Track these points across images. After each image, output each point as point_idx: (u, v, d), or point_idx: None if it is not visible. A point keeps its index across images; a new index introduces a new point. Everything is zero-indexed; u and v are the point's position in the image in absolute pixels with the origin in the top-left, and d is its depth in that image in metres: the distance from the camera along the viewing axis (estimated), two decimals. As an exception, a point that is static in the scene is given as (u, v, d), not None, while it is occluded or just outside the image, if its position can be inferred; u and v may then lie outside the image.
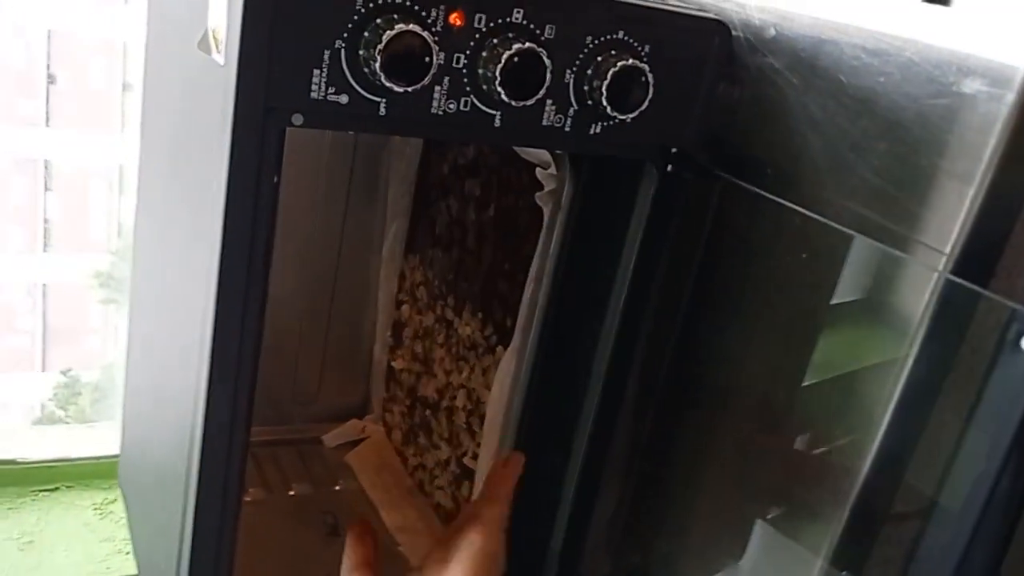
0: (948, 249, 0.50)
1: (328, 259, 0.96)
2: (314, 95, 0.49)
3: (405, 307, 0.94)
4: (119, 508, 1.07)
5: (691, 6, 0.63)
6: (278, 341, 0.94)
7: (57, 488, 1.18)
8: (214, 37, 0.51)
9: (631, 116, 0.58)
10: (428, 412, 0.90)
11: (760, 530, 0.65)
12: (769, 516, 0.65)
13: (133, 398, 0.88)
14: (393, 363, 0.97)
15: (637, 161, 0.61)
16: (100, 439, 1.13)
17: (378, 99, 0.51)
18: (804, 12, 0.59)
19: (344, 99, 0.50)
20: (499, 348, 0.78)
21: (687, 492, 0.72)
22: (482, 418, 0.81)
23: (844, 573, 0.58)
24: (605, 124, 0.58)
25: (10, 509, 1.14)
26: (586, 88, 0.56)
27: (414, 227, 0.92)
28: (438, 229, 0.87)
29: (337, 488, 0.93)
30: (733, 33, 0.63)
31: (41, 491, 1.16)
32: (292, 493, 0.91)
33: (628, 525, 0.77)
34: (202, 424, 0.55)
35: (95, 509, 1.09)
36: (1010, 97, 0.46)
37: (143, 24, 0.78)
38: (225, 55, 0.49)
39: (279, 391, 0.98)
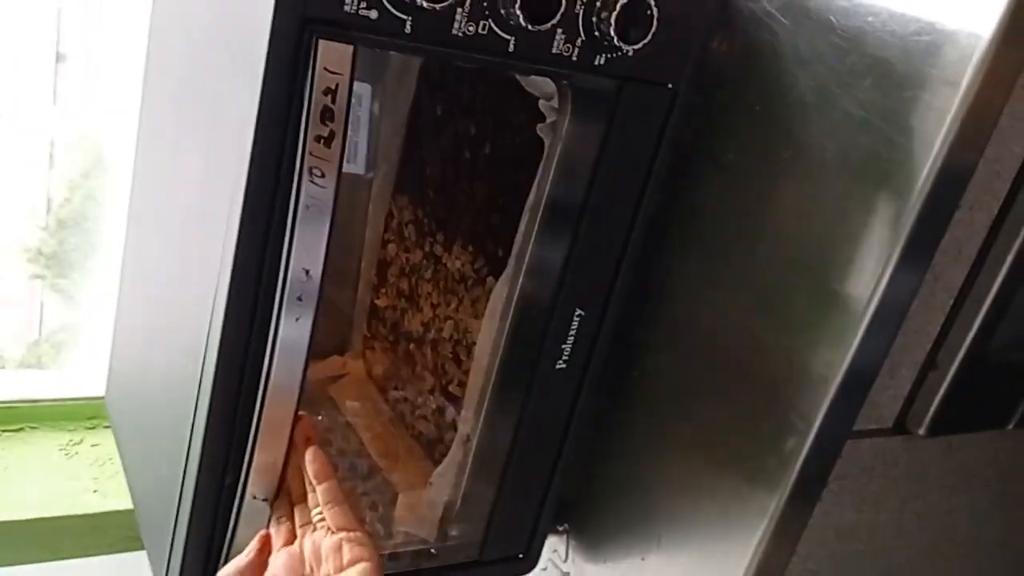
0: (919, 184, 0.55)
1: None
2: (347, 8, 0.52)
3: (391, 246, 0.97)
4: (86, 449, 1.08)
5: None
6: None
7: (21, 428, 1.18)
8: (247, -50, 0.53)
9: (635, 48, 0.62)
10: (412, 346, 0.93)
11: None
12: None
13: (124, 334, 0.89)
14: (376, 301, 0.99)
15: (636, 96, 0.65)
16: (66, 383, 1.14)
17: (405, 16, 0.54)
18: (796, -41, 0.63)
19: (374, 14, 0.53)
20: (489, 279, 0.81)
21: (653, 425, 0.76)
22: (469, 348, 0.84)
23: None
24: (609, 56, 0.62)
25: (-23, 446, 1.14)
26: (594, 19, 0.60)
27: (404, 168, 0.95)
28: (429, 169, 0.90)
29: (320, 417, 0.95)
30: (726, -20, 0.67)
31: (4, 431, 1.17)
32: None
33: (598, 450, 0.82)
34: (219, 340, 0.57)
35: (61, 450, 1.10)
36: (987, 33, 0.51)
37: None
38: (261, -33, 0.51)
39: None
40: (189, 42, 0.69)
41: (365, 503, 0.86)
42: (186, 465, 0.64)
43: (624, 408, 0.80)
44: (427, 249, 0.90)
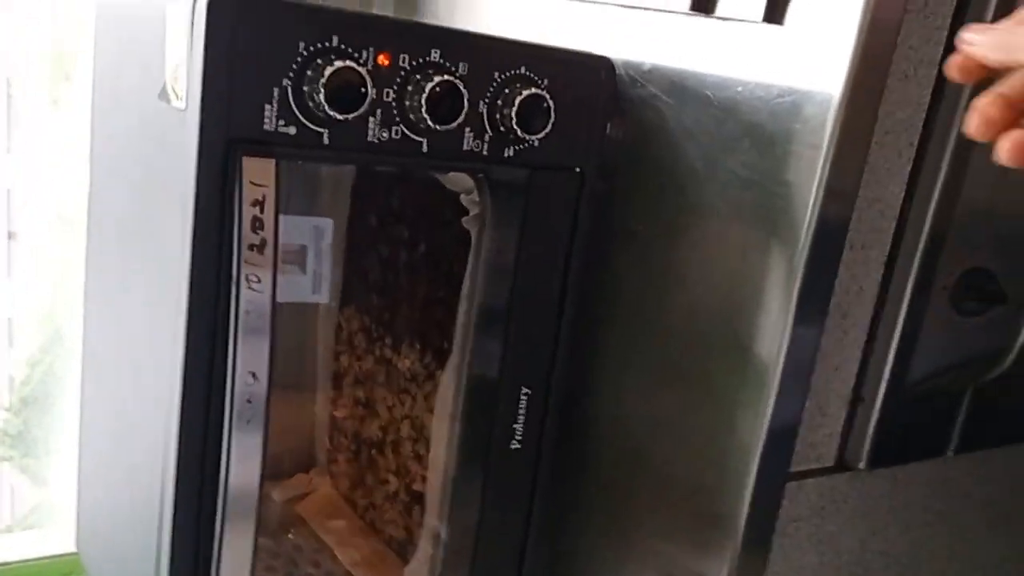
0: (803, 233, 0.61)
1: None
2: (267, 127, 0.57)
3: (343, 357, 1.00)
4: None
5: (582, 49, 0.74)
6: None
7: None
8: (173, 88, 0.59)
9: (538, 138, 0.67)
10: (373, 451, 0.95)
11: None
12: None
13: (88, 482, 0.90)
14: (335, 413, 1.02)
15: (548, 179, 0.71)
16: (41, 542, 1.13)
17: (322, 129, 0.59)
18: (674, 42, 0.70)
19: (292, 130, 0.58)
20: (438, 373, 0.84)
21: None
22: (428, 444, 0.87)
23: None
24: (517, 147, 0.68)
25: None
26: (498, 116, 0.66)
27: (347, 281, 0.99)
28: (371, 276, 0.95)
29: (290, 536, 0.96)
30: (616, 71, 0.74)
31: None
32: (248, 542, 0.93)
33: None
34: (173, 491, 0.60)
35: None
36: (836, 92, 0.57)
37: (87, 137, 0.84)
38: (186, 99, 0.56)
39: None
40: (125, 174, 0.74)
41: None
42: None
43: (580, 483, 0.82)
44: (377, 354, 0.93)
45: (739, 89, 0.64)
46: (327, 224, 0.94)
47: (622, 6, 0.75)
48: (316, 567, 0.91)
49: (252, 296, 0.56)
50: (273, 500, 1.02)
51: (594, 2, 0.78)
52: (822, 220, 0.60)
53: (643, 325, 0.74)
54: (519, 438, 0.77)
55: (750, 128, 0.63)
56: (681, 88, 0.69)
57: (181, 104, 0.57)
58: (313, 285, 0.95)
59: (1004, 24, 0.48)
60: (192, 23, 0.55)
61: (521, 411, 0.76)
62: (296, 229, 0.92)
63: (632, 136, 0.74)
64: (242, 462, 0.61)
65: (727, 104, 0.65)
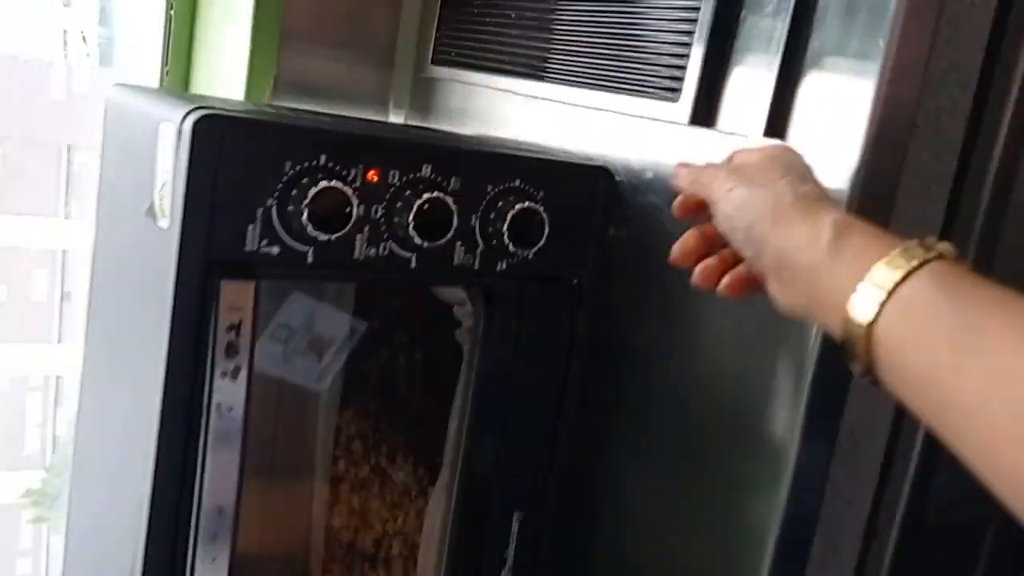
0: (809, 355, 0.57)
1: (266, 419, 0.98)
2: (248, 248, 0.55)
3: (341, 462, 0.97)
4: None
5: (581, 158, 0.73)
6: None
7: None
8: (160, 206, 0.58)
9: (532, 252, 0.65)
10: (366, 565, 0.91)
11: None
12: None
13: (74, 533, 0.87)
14: (331, 521, 0.98)
15: (541, 293, 0.68)
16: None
17: (306, 248, 0.57)
18: (675, 153, 0.68)
19: (275, 250, 0.56)
20: (430, 489, 0.81)
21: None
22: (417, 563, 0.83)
23: None
24: (510, 260, 0.66)
25: None
26: (490, 230, 0.64)
27: (348, 382, 0.96)
28: (371, 381, 0.92)
29: (279, 653, 0.91)
30: (618, 179, 0.72)
31: None
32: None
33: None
34: None
35: None
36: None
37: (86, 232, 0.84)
38: (169, 218, 0.55)
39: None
40: (117, 283, 0.72)
41: None
42: None
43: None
44: (373, 462, 0.90)
45: (740, 206, 0.61)
46: (362, 326, 0.91)
47: (624, 115, 0.73)
48: None
49: (223, 425, 0.53)
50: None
51: (598, 109, 0.76)
52: (828, 339, 0.57)
53: (648, 440, 0.71)
54: (511, 565, 0.72)
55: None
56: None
57: (165, 223, 0.56)
58: (320, 375, 0.92)
59: (704, 165, 0.55)
60: (178, 141, 0.54)
61: (513, 536, 0.72)
62: (334, 321, 0.89)
63: (634, 244, 0.72)
64: None
65: (728, 220, 0.63)
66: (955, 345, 0.38)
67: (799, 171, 0.51)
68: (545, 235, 0.65)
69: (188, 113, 0.53)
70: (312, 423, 0.99)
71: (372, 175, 0.58)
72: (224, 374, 0.53)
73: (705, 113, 0.64)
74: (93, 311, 0.82)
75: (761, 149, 0.54)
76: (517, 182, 0.64)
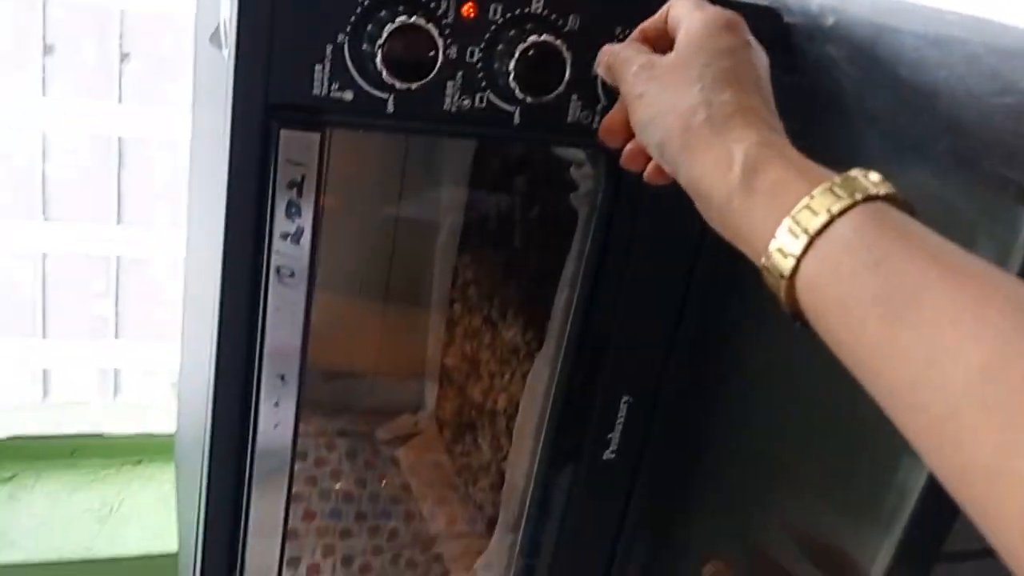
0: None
1: (383, 250, 0.94)
2: (316, 92, 0.47)
3: (457, 305, 0.92)
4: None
5: (743, -6, 0.58)
6: (331, 330, 0.94)
7: (140, 462, 1.21)
8: (224, 31, 0.50)
9: (666, 112, 0.53)
10: (474, 413, 0.88)
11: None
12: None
13: (183, 380, 0.89)
14: (445, 360, 0.95)
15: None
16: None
17: (384, 95, 0.48)
18: (865, -2, 0.53)
19: (348, 96, 0.48)
20: (538, 354, 0.74)
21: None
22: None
23: None
24: (638, 121, 0.54)
25: (93, 480, 1.18)
26: (616, 82, 0.52)
27: (468, 222, 0.90)
28: (489, 226, 0.85)
29: (383, 484, 0.91)
30: (790, 20, 0.58)
31: (125, 464, 1.20)
32: (337, 487, 0.90)
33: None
34: (212, 403, 0.53)
35: (173, 485, 1.12)
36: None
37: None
38: (228, 49, 0.47)
39: (332, 381, 0.98)
40: (202, 134, 0.67)
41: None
42: (197, 525, 0.60)
43: (695, 483, 0.71)
44: (485, 313, 0.85)
45: (942, 74, 0.47)
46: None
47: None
48: (409, 520, 0.86)
49: (284, 292, 0.48)
50: (373, 438, 0.98)
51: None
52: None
53: (786, 349, 0.61)
54: (614, 449, 0.66)
55: (951, 128, 0.47)
56: (870, 56, 0.53)
57: (227, 53, 0.48)
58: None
59: (625, 44, 0.47)
60: (232, -38, 0.45)
61: (620, 419, 0.65)
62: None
63: (801, 107, 0.58)
64: (269, 459, 0.53)
65: (925, 90, 0.48)
66: (884, 313, 0.31)
67: (725, 65, 0.42)
68: (683, 91, 0.53)
69: (246, -74, 0.43)
70: (429, 259, 0.94)
71: (467, 9, 0.48)
72: (285, 236, 0.47)
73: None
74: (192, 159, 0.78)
75: (689, 26, 0.44)
76: (655, 23, 0.52)
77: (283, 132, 0.46)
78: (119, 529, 1.09)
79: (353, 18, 0.46)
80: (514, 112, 0.51)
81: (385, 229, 0.93)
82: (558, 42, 0.48)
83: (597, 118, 0.53)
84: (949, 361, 0.29)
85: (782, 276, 0.35)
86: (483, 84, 0.50)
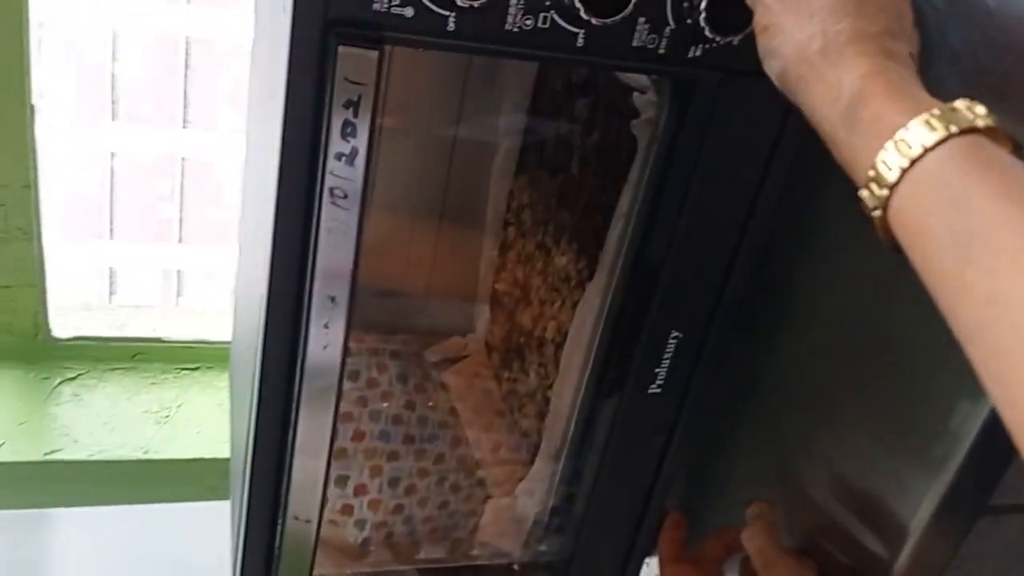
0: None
1: (439, 171, 0.94)
2: (377, 6, 0.46)
3: (511, 229, 0.91)
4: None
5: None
6: (385, 249, 0.94)
7: (198, 368, 1.25)
8: (284, -59, 0.49)
9: (737, 39, 0.51)
10: (523, 339, 0.88)
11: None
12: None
13: (239, 290, 0.90)
14: (497, 284, 0.95)
15: (745, 91, 0.55)
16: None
17: (447, 12, 0.47)
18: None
19: (409, 12, 0.46)
20: (588, 284, 0.74)
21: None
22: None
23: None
24: (706, 46, 0.52)
25: (153, 384, 1.22)
26: (685, 5, 0.50)
27: (526, 145, 0.88)
28: (546, 150, 0.83)
29: (431, 405, 0.93)
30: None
31: (183, 369, 1.24)
32: (378, 408, 0.91)
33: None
34: (264, 314, 0.53)
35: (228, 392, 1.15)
36: None
37: None
38: (288, -40, 0.46)
39: (381, 299, 0.98)
40: (262, 46, 0.66)
41: (461, 501, 0.83)
42: (247, 438, 0.62)
43: (737, 420, 0.71)
44: (539, 239, 0.84)
45: (1036, 9, 0.44)
46: None
47: None
48: (455, 445, 0.87)
49: (337, 214, 0.47)
50: (423, 360, 0.99)
51: None
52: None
53: (842, 288, 0.59)
54: (660, 383, 0.66)
55: (1039, 69, 0.44)
56: (957, -14, 0.49)
57: (286, -36, 0.47)
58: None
59: None
60: None
61: (668, 355, 0.65)
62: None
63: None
64: (319, 376, 0.54)
65: (1015, 25, 0.45)
66: (955, 251, 0.32)
67: (846, 2, 0.40)
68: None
69: None
70: (486, 180, 0.93)
71: (535, -76, 0.46)
72: (340, 156, 0.47)
73: None
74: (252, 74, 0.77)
75: None
76: (731, -57, 0.49)
77: (341, 49, 0.45)
78: (176, 432, 1.13)
79: (415, -70, 0.44)
80: (578, 34, 0.50)
81: (442, 149, 0.93)
82: (628, -40, 0.46)
83: (664, 42, 0.51)
84: (1012, 299, 0.30)
85: (875, 208, 0.36)
86: (547, 3, 0.48)
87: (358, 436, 0.90)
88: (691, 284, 0.63)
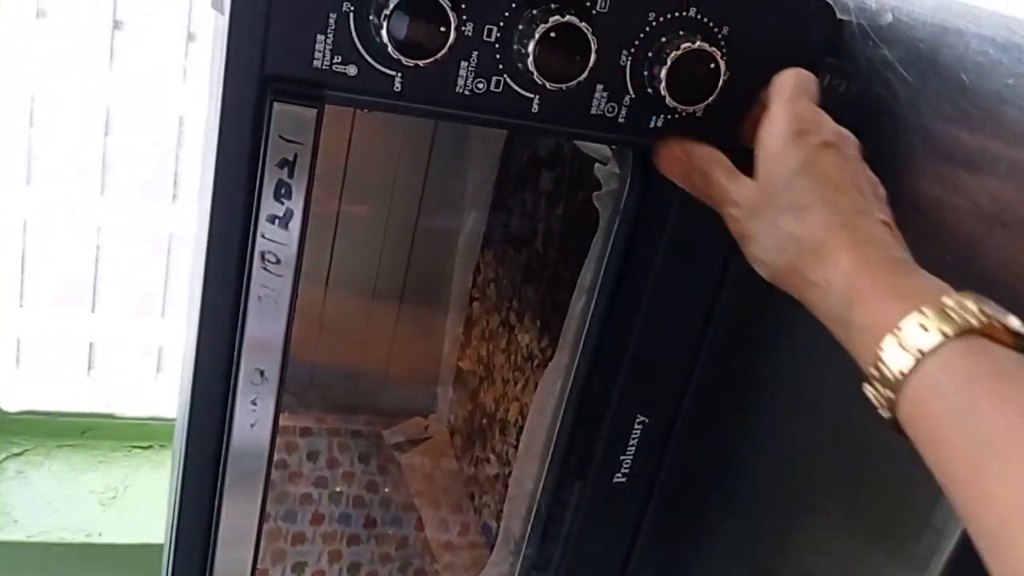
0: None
1: (402, 245, 0.91)
2: (317, 63, 0.43)
3: (476, 304, 0.88)
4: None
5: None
6: (342, 326, 0.91)
7: (150, 446, 1.19)
8: (226, -5, 0.46)
9: (700, 108, 0.49)
10: (485, 421, 0.84)
11: None
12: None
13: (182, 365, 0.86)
14: (461, 363, 0.91)
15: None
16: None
17: (392, 72, 0.44)
18: (929, -5, 0.48)
19: (352, 70, 0.44)
20: (550, 363, 0.70)
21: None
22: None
23: None
24: (668, 117, 0.50)
25: (101, 463, 1.16)
26: (645, 73, 0.48)
27: (492, 219, 0.86)
28: (512, 223, 0.81)
29: (386, 490, 0.88)
30: (843, 18, 0.53)
31: (135, 447, 1.18)
32: (338, 490, 0.86)
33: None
34: (190, 393, 0.49)
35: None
36: None
37: None
38: (226, 14, 0.44)
39: (342, 379, 0.94)
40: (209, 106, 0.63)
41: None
42: (170, 525, 0.57)
43: (709, 511, 0.66)
44: (503, 315, 0.80)
45: (1009, 82, 0.42)
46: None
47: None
48: (415, 529, 0.82)
49: (268, 280, 0.44)
50: (381, 441, 0.94)
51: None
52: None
53: (818, 376, 0.56)
54: (625, 471, 0.61)
55: (1017, 142, 0.42)
56: (928, 61, 0.48)
57: (225, 18, 0.45)
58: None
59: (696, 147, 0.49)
60: (231, -84, 0.41)
61: (633, 441, 0.61)
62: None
63: (850, 115, 0.53)
64: (246, 444, 0.49)
65: (989, 98, 0.43)
66: (971, 460, 0.32)
67: (803, 184, 0.41)
68: (719, 87, 0.48)
69: None
70: (451, 255, 0.90)
71: (488, -18, 0.44)
72: (273, 219, 0.43)
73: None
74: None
75: (763, 142, 0.44)
76: (692, 11, 0.47)
77: (276, 106, 0.42)
78: (122, 514, 1.07)
79: (360, -14, 0.42)
80: (533, 100, 0.47)
81: (406, 224, 0.90)
82: (583, 24, 0.44)
83: (624, 110, 0.49)
84: None
85: (882, 407, 0.35)
86: (500, 67, 0.46)
87: (317, 519, 0.85)
88: (657, 365, 0.59)
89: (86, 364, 1.17)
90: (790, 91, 0.45)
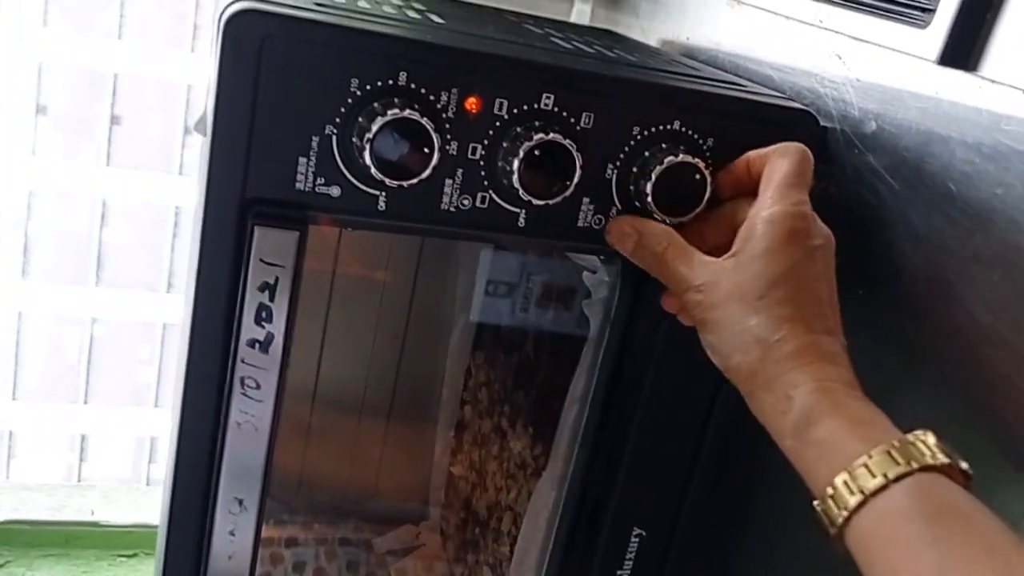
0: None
1: (391, 351, 0.89)
2: (300, 186, 0.43)
3: (468, 408, 0.86)
4: None
5: (776, 94, 0.54)
6: (332, 431, 0.89)
7: (136, 555, 1.15)
8: (210, 119, 0.46)
9: (688, 219, 0.49)
10: (478, 530, 0.81)
11: None
12: None
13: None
14: (452, 468, 0.89)
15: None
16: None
17: (376, 192, 0.44)
18: (913, 103, 0.48)
19: (336, 191, 0.44)
20: (544, 472, 0.68)
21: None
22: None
23: None
24: (656, 228, 0.49)
25: (85, 573, 1.12)
26: (631, 187, 0.48)
27: (483, 324, 0.85)
28: (503, 328, 0.80)
29: (379, 602, 0.84)
30: (828, 125, 0.53)
31: (120, 556, 1.14)
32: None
33: None
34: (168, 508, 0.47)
35: None
36: None
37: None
38: (208, 136, 0.44)
39: (332, 486, 0.92)
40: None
41: None
42: None
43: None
44: (495, 420, 0.79)
45: (998, 191, 0.42)
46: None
47: (851, 37, 0.53)
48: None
49: (248, 406, 0.43)
50: (371, 550, 0.91)
51: (816, 25, 0.57)
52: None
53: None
54: (624, 587, 0.59)
55: (1006, 253, 0.41)
56: (915, 169, 0.47)
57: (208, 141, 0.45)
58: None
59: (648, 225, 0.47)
60: (215, 41, 0.41)
61: (630, 555, 0.59)
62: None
63: (836, 222, 0.53)
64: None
65: (977, 207, 0.43)
66: None
67: (782, 295, 0.40)
68: (706, 198, 0.48)
69: (229, 4, 0.40)
70: (441, 357, 0.89)
71: (471, 103, 0.44)
72: (253, 343, 0.42)
73: (963, 48, 0.43)
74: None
75: (755, 231, 0.42)
76: (676, 124, 0.47)
77: (257, 229, 0.41)
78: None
79: (343, 109, 0.42)
80: (519, 214, 0.47)
81: (395, 329, 0.89)
82: (568, 141, 0.44)
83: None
84: None
85: (833, 524, 0.36)
86: (485, 184, 0.46)
87: (304, 637, 0.82)
88: (653, 476, 0.57)
89: (77, 458, 1.16)
90: (791, 177, 0.43)
